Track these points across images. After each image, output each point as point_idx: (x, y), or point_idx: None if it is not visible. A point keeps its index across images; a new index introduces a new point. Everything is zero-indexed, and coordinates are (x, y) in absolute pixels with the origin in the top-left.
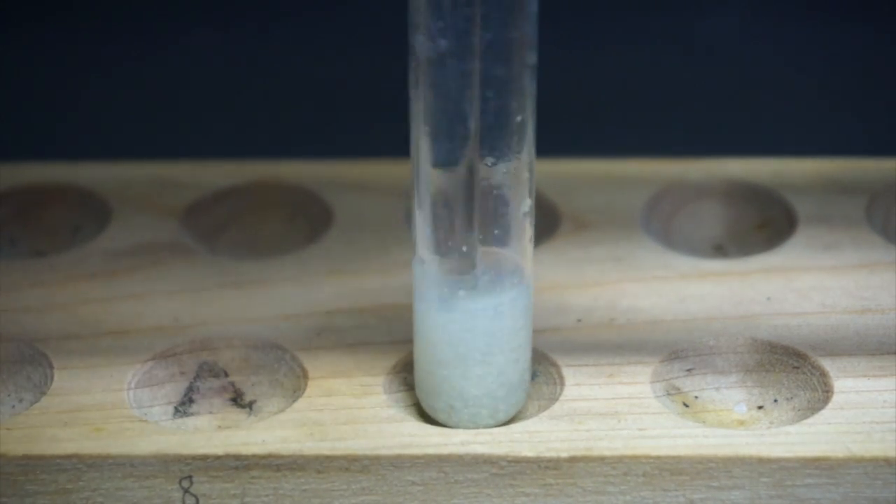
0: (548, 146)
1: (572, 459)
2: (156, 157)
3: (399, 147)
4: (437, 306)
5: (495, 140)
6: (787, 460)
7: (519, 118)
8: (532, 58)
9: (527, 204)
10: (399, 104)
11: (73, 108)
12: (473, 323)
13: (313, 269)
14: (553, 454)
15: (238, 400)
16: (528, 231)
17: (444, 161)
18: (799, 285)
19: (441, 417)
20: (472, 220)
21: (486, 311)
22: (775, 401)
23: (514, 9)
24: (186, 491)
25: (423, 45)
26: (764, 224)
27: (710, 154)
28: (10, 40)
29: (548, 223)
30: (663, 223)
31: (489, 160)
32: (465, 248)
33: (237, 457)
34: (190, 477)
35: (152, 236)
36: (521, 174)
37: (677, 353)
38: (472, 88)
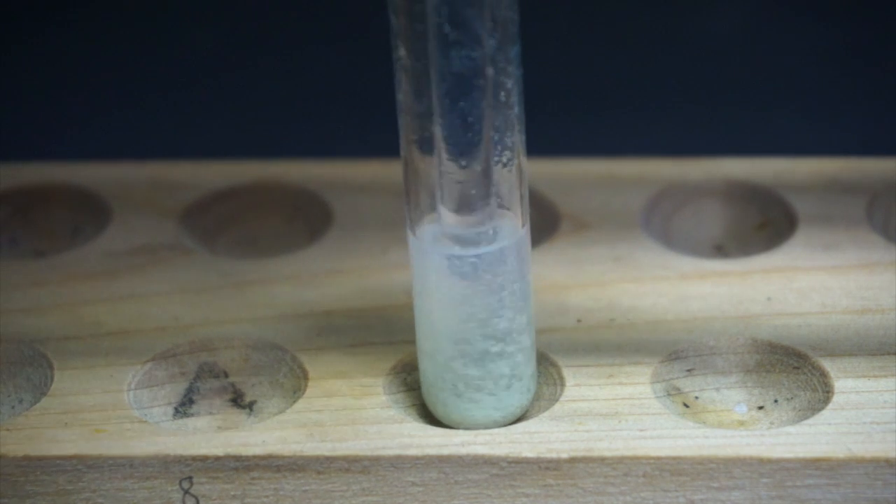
0: (548, 146)
1: (573, 460)
2: (155, 157)
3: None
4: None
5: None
6: (788, 461)
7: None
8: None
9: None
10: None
11: (73, 108)
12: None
13: (313, 269)
14: (553, 455)
15: (238, 400)
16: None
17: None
18: (799, 285)
19: (446, 412)
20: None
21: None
22: (775, 401)
23: None
24: (186, 492)
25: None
26: (764, 224)
27: (710, 154)
28: (11, 40)
29: (548, 223)
30: (663, 223)
31: None
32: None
33: (237, 457)
34: (190, 478)
35: (152, 236)
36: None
37: (677, 353)
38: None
